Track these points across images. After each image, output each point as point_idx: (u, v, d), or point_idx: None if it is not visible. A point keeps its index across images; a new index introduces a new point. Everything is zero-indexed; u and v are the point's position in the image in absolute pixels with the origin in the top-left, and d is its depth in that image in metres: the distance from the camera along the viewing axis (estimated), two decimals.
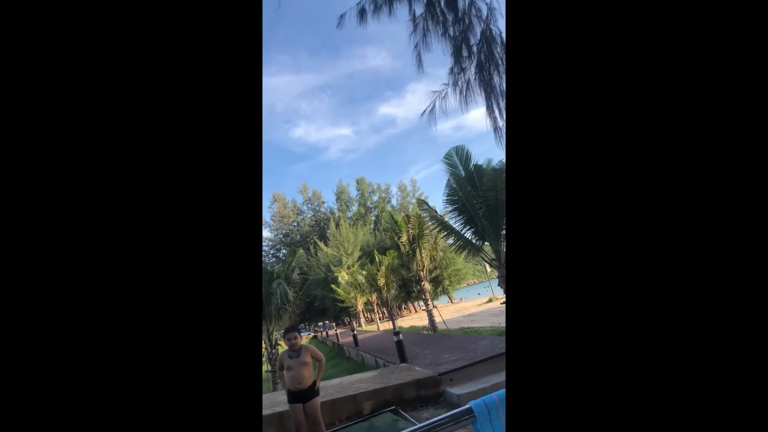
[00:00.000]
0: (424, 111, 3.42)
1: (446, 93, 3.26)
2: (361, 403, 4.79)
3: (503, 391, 1.19)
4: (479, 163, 8.06)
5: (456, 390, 4.90)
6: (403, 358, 6.73)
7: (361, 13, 3.27)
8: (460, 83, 3.10)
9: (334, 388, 5.76)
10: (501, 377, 4.94)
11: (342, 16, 3.44)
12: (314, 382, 3.34)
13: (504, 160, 7.99)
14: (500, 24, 2.88)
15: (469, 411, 1.12)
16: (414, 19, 3.09)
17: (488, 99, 2.98)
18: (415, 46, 3.11)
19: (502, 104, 2.97)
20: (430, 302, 13.37)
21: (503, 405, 1.14)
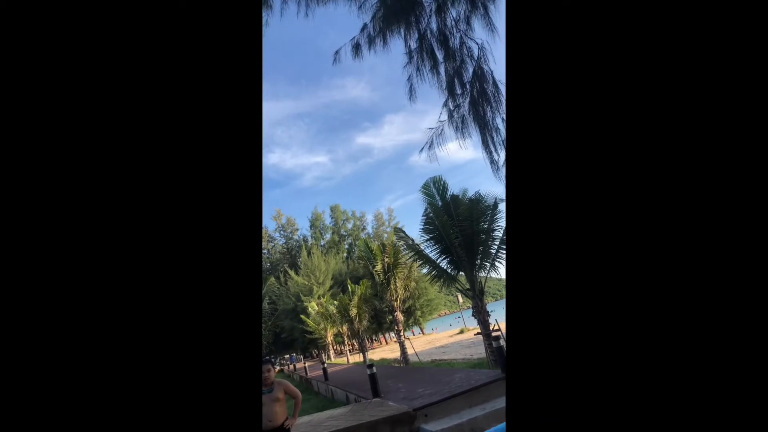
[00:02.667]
0: (422, 147, 3.51)
1: (442, 129, 3.37)
2: None
3: (500, 426, 1.12)
4: (455, 193, 8.23)
5: (431, 426, 4.70)
6: (376, 392, 6.45)
7: (356, 48, 3.37)
8: (455, 118, 3.20)
9: (304, 426, 5.39)
10: (476, 412, 4.81)
11: (337, 53, 3.53)
12: (286, 419, 3.09)
13: (480, 191, 8.20)
14: (491, 63, 3.06)
15: None
16: (410, 52, 3.20)
17: (482, 134, 3.09)
18: (408, 78, 3.22)
19: (497, 138, 3.08)
20: (402, 333, 13.10)
21: None
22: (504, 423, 1.11)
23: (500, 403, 4.91)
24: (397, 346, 13.96)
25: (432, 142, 3.42)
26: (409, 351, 12.95)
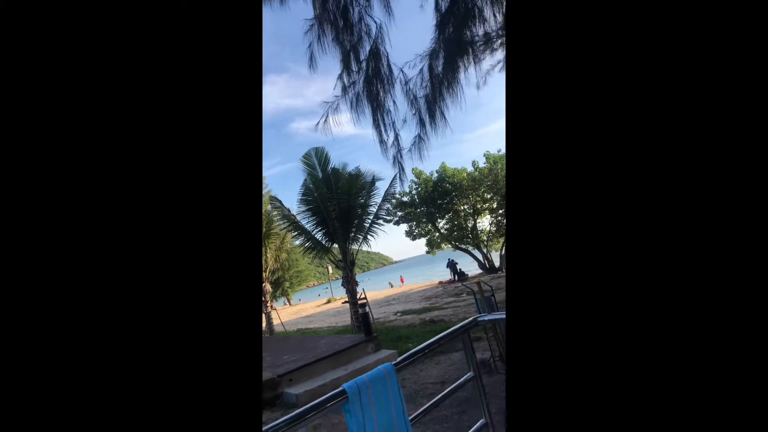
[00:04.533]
0: (318, 122, 3.41)
1: (338, 104, 3.33)
2: None
3: (373, 371, 1.27)
4: (336, 166, 8.31)
5: (294, 390, 4.85)
6: None
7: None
8: (350, 95, 3.21)
9: None
10: (339, 372, 5.16)
11: None
12: None
13: (360, 167, 8.47)
14: (387, 45, 3.13)
15: (342, 392, 1.16)
16: (314, 18, 3.03)
17: (374, 113, 3.18)
18: (309, 45, 3.06)
19: (387, 120, 3.22)
20: (269, 304, 12.84)
21: (372, 384, 1.22)
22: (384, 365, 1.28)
23: (362, 362, 5.38)
24: (262, 317, 13.59)
25: (327, 116, 3.40)
26: (275, 322, 12.82)
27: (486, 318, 1.79)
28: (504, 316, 1.63)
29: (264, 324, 12.86)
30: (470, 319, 1.69)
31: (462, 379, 1.57)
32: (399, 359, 1.35)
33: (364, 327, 6.21)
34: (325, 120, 3.42)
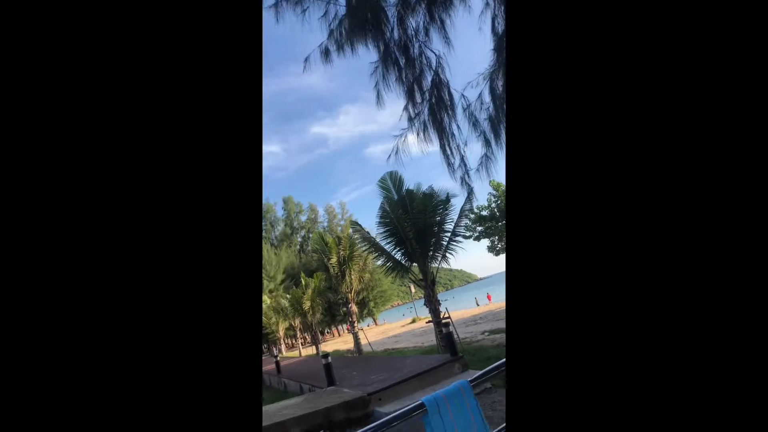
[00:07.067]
0: (389, 155, 3.82)
1: (405, 136, 3.66)
2: (289, 430, 4.59)
3: (448, 387, 1.35)
4: (410, 187, 8.55)
5: (384, 409, 4.96)
6: (331, 381, 6.60)
7: (326, 53, 3.49)
8: (416, 126, 3.50)
9: None
10: (427, 392, 5.13)
11: (307, 59, 3.64)
12: None
13: (433, 186, 8.57)
14: (447, 73, 3.39)
15: (421, 405, 1.26)
16: (378, 61, 3.39)
17: (440, 138, 3.40)
18: (375, 85, 3.44)
19: (452, 143, 3.41)
20: (356, 324, 13.32)
21: (449, 399, 1.30)
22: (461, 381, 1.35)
23: (449, 383, 5.30)
24: (349, 338, 14.13)
25: (398, 148, 3.72)
26: (362, 342, 13.21)
27: None
28: None
29: (353, 344, 13.35)
30: None
31: None
32: (475, 376, 1.41)
33: (448, 347, 6.14)
34: (396, 152, 3.71)
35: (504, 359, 1.51)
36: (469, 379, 1.37)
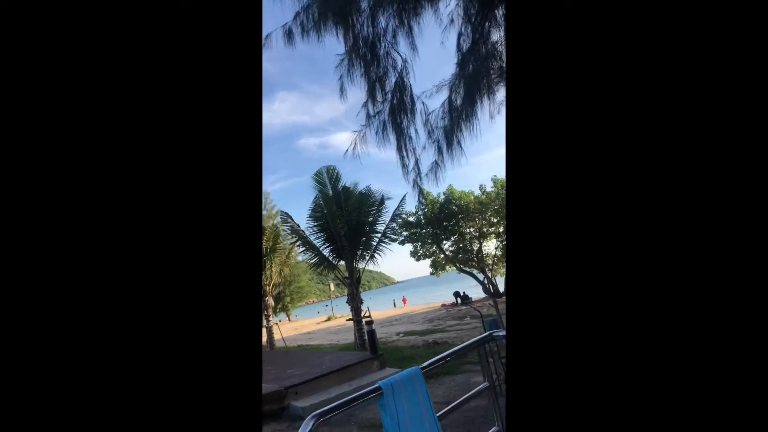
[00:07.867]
0: (347, 150, 3.81)
1: (365, 133, 3.70)
2: None
3: (403, 372, 1.42)
4: (347, 185, 8.56)
5: (300, 403, 4.89)
6: None
7: (288, 34, 3.37)
8: (376, 125, 3.56)
9: None
10: (344, 388, 5.19)
11: (267, 37, 3.45)
12: None
13: (370, 186, 8.70)
14: (411, 77, 3.53)
15: (377, 389, 1.30)
16: (345, 53, 3.36)
17: (398, 140, 3.52)
18: (340, 78, 3.43)
19: (409, 146, 3.55)
20: (270, 318, 12.85)
21: (404, 383, 1.37)
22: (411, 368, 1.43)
23: (367, 379, 5.43)
24: (262, 331, 13.55)
25: (356, 144, 3.76)
26: (276, 336, 12.79)
27: (501, 333, 1.93)
28: None
29: (264, 338, 12.83)
30: (486, 333, 1.84)
31: (479, 388, 1.71)
32: (425, 364, 1.50)
33: (369, 344, 6.27)
34: (354, 147, 3.74)
35: (450, 350, 1.64)
36: (421, 366, 1.46)
